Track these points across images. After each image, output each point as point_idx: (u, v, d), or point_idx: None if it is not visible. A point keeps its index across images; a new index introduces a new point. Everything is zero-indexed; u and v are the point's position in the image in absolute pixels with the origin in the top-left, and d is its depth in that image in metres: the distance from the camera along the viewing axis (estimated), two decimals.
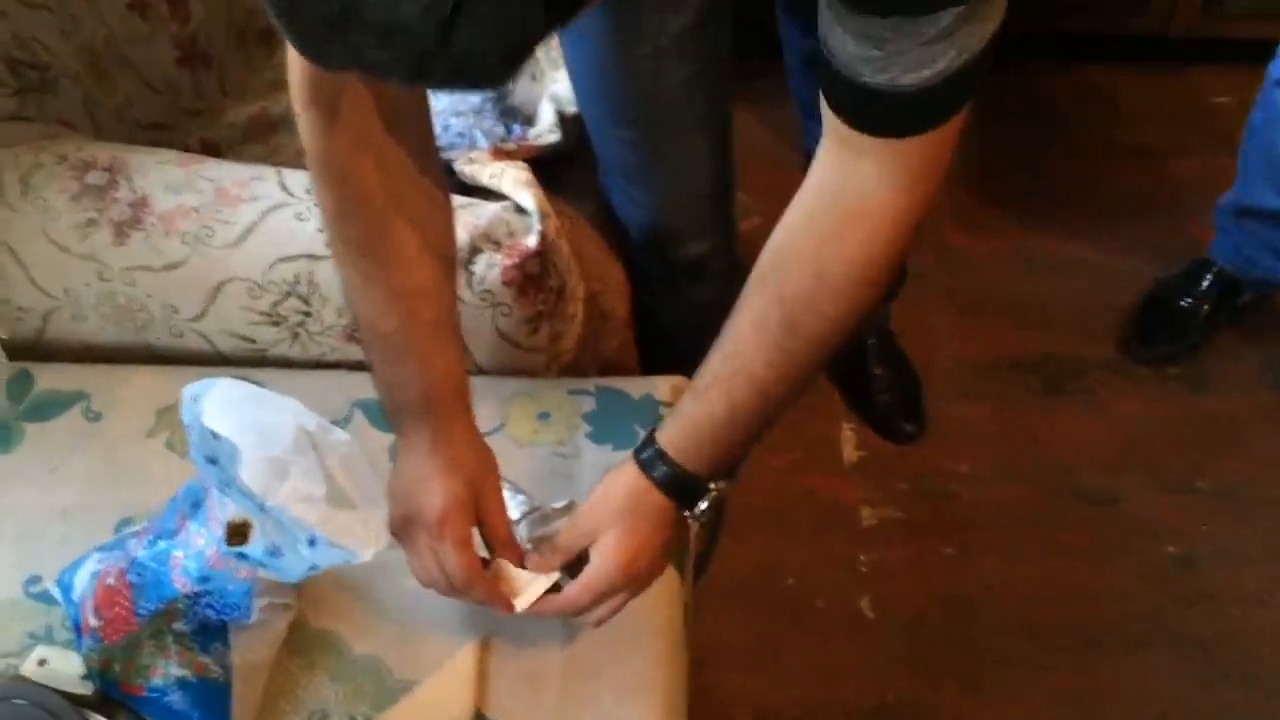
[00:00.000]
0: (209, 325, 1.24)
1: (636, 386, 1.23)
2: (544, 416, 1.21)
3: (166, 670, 0.94)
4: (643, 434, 0.99)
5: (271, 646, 1.00)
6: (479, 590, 0.96)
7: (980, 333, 2.01)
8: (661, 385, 1.23)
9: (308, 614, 1.05)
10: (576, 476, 1.16)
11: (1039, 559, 1.75)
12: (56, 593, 1.01)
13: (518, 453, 1.17)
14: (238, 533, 0.89)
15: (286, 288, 1.20)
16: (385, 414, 1.01)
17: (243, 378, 1.05)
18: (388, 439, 1.18)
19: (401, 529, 0.98)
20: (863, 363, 1.89)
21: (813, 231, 0.86)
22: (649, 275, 1.47)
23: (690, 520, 0.98)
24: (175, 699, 0.93)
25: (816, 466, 1.85)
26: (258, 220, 1.19)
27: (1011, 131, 2.28)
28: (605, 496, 0.97)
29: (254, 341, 1.25)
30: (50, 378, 1.23)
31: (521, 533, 1.11)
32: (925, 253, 2.05)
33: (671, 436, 0.95)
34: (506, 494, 1.13)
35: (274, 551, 0.87)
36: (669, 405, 1.21)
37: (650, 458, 0.95)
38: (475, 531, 0.98)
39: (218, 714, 0.94)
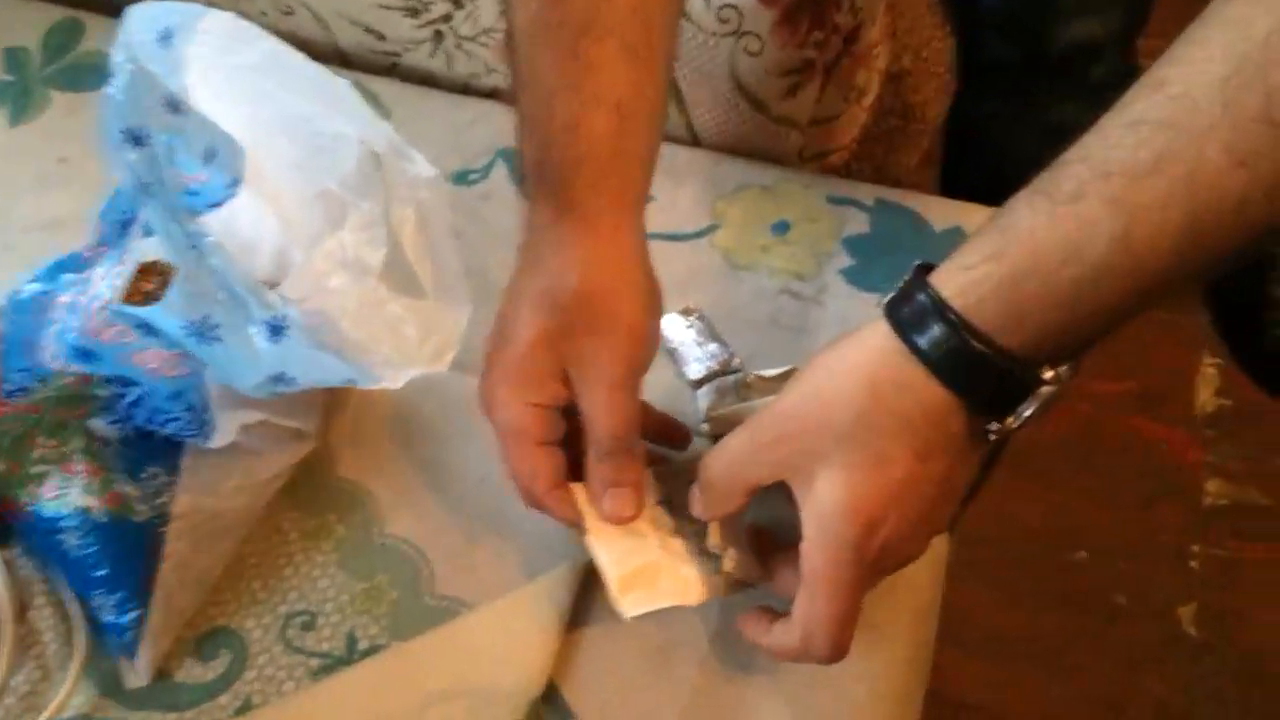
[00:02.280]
0: (325, 1, 0.83)
1: (940, 211, 0.75)
2: (781, 227, 0.74)
3: (64, 492, 0.56)
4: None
5: (250, 494, 0.60)
6: (556, 512, 0.57)
7: None
8: (982, 218, 0.74)
9: (336, 455, 0.65)
10: (814, 332, 0.70)
11: None
12: None
13: (726, 277, 0.73)
14: (148, 278, 0.49)
15: None
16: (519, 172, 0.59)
17: (362, 87, 0.65)
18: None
19: (485, 369, 0.56)
20: (1256, 278, 1.31)
21: None
22: (992, 69, 0.96)
23: (992, 439, 0.51)
24: (70, 539, 0.56)
25: (1153, 407, 1.30)
26: None
27: None
28: (822, 388, 0.51)
29: (383, 38, 0.84)
30: (103, 36, 0.86)
31: (700, 404, 0.67)
32: None
33: (973, 281, 0.48)
34: (686, 333, 0.69)
35: (201, 329, 0.46)
36: None
37: (920, 313, 0.48)
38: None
39: (130, 576, 0.56)
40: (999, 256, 0.47)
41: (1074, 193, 0.46)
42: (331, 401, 0.65)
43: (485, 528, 0.62)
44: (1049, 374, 0.48)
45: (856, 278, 0.72)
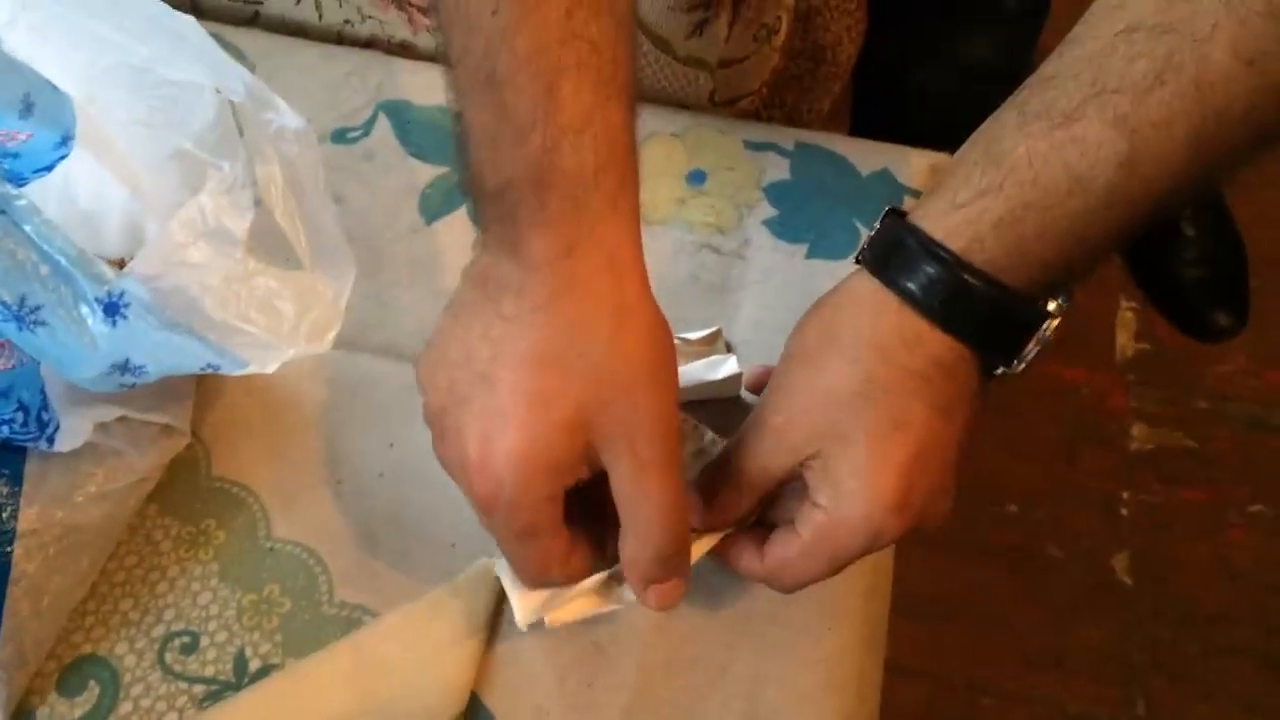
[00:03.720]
0: None
1: (865, 154, 0.70)
2: (697, 178, 0.69)
3: None
4: (868, 234, 0.48)
5: (112, 502, 0.52)
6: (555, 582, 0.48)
7: None
8: (913, 160, 0.69)
9: (212, 452, 0.58)
10: (737, 289, 0.64)
11: None
12: None
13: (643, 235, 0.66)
14: None
15: None
16: (461, 177, 0.47)
17: (222, 40, 0.57)
18: (411, 170, 0.69)
19: (492, 457, 0.43)
20: (1172, 219, 1.30)
21: None
22: (902, 5, 0.91)
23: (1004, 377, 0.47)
24: None
25: (1072, 352, 1.28)
26: None
27: None
28: (818, 357, 0.46)
29: None
30: None
31: None
32: None
33: (968, 220, 0.43)
34: None
35: (19, 313, 0.38)
36: (918, 197, 0.68)
37: (910, 260, 0.44)
38: None
39: None
40: (995, 190, 0.43)
41: (1071, 112, 0.42)
42: (204, 391, 0.58)
43: (388, 525, 0.55)
44: (1051, 305, 0.44)
45: (780, 229, 0.67)
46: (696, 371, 0.59)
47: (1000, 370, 0.46)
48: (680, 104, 0.73)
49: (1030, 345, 0.45)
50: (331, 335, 0.47)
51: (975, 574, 1.16)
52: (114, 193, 0.55)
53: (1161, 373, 1.28)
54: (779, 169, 0.69)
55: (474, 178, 0.44)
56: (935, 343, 0.44)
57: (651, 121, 0.70)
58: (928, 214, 0.45)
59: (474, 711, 0.50)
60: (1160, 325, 1.32)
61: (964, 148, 0.46)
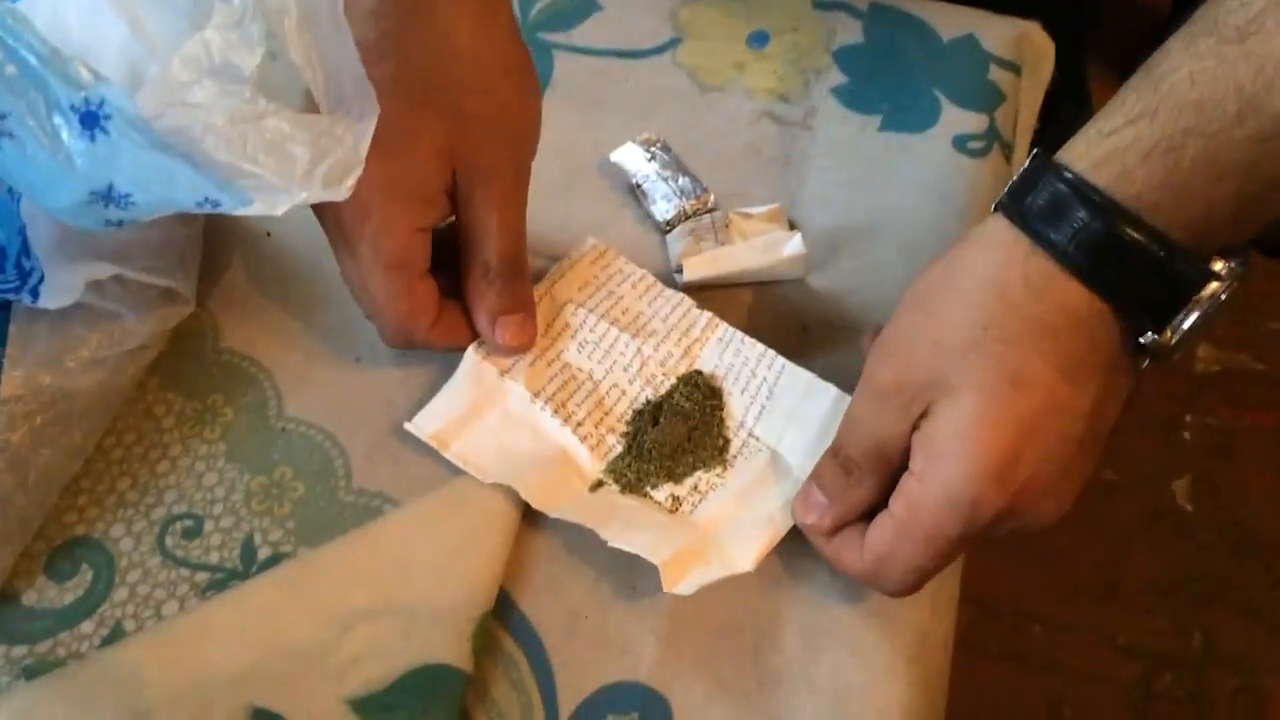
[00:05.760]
0: None
1: (949, 17, 0.63)
2: (759, 39, 0.62)
3: None
4: (954, 109, 0.45)
5: (108, 369, 0.47)
6: (443, 343, 0.49)
7: None
8: (1001, 28, 0.62)
9: (220, 323, 0.52)
10: (801, 163, 0.58)
11: None
12: None
13: (694, 100, 0.60)
14: None
15: None
16: None
17: None
18: None
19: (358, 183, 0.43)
20: None
21: None
22: None
23: (1146, 363, 0.41)
24: None
25: None
26: None
27: None
28: (934, 302, 0.41)
29: None
30: None
31: (671, 250, 0.55)
32: None
33: (1116, 149, 0.38)
34: (649, 166, 0.57)
35: None
36: (1013, 66, 0.61)
37: (1049, 199, 0.38)
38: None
39: None
40: (1151, 114, 0.37)
41: (1245, 25, 0.35)
42: (210, 256, 0.52)
43: (411, 409, 0.50)
44: (1218, 265, 0.37)
45: (851, 98, 0.60)
46: (755, 250, 0.53)
47: (1150, 337, 0.39)
48: None
49: (1188, 311, 0.38)
50: (351, 181, 0.41)
51: None
52: (110, 25, 0.48)
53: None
54: (850, 31, 0.62)
55: None
56: (1070, 292, 0.38)
57: None
58: (1072, 146, 0.39)
59: (504, 610, 0.45)
60: None
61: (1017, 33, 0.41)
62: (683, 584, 0.43)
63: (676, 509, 0.47)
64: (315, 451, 0.49)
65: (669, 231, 0.55)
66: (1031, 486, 0.39)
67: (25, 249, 0.39)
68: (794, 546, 0.46)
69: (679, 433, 0.48)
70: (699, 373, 0.50)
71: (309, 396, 0.51)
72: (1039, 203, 0.39)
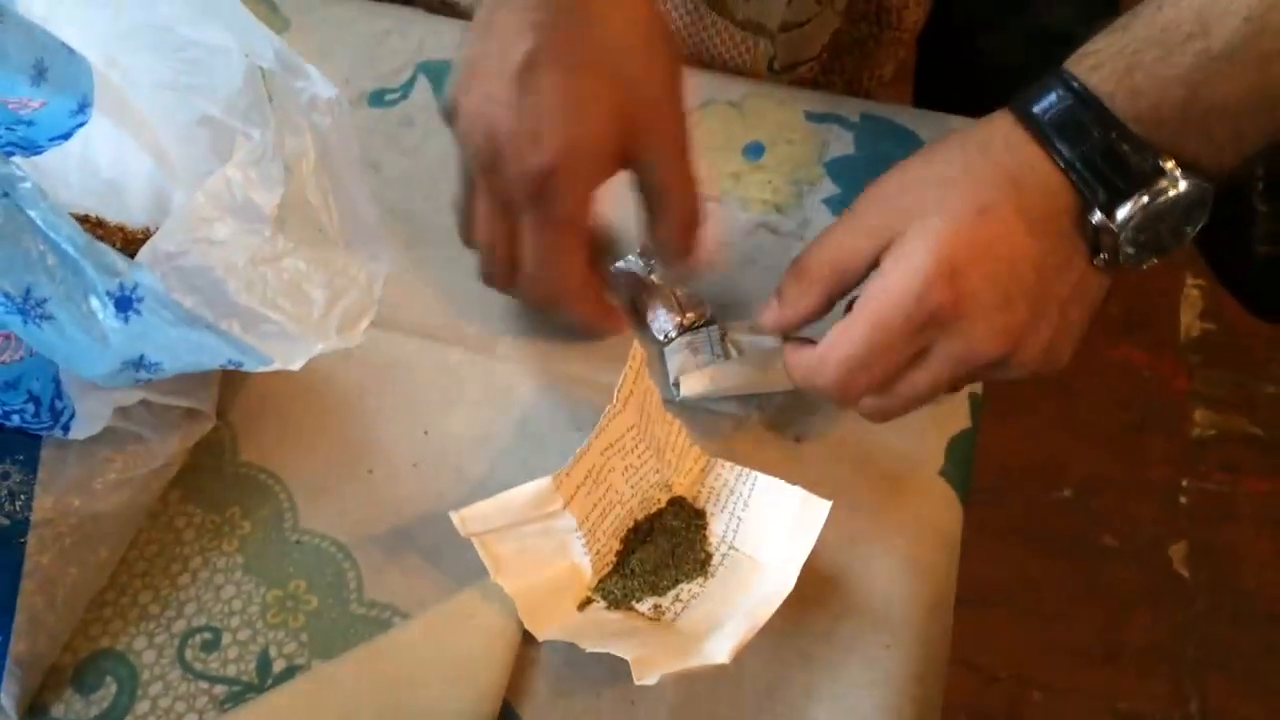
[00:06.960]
0: None
1: (935, 127, 0.65)
2: (755, 151, 0.64)
3: None
4: None
5: (132, 489, 0.50)
6: (588, 313, 0.55)
7: None
8: None
9: (239, 437, 0.55)
10: None
11: None
12: None
13: None
14: None
15: None
16: None
17: None
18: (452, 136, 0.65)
19: (469, 134, 0.50)
20: (1243, 192, 1.24)
21: None
22: None
23: (1102, 258, 0.46)
24: None
25: (1134, 332, 1.23)
26: None
27: None
28: (927, 152, 0.49)
29: None
30: None
31: (669, 364, 0.57)
32: None
33: (1092, 51, 0.46)
34: (644, 274, 0.59)
35: (24, 306, 0.35)
36: None
37: (1038, 87, 0.47)
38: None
39: None
40: (1123, 28, 0.45)
41: None
42: (230, 372, 0.55)
43: (421, 519, 0.52)
44: (1168, 163, 0.44)
45: (841, 208, 0.62)
46: (751, 365, 0.56)
47: (1098, 217, 0.44)
48: (737, 71, 0.69)
49: (1136, 200, 0.43)
50: (364, 325, 0.44)
51: (1028, 561, 1.12)
52: (138, 161, 0.52)
53: (1227, 355, 1.23)
54: (842, 143, 0.64)
55: None
56: (1036, 155, 0.45)
57: (707, 88, 0.66)
58: (1069, 61, 0.46)
59: None
60: (1228, 305, 1.26)
61: None
62: (651, 675, 0.44)
63: (659, 617, 0.49)
64: (328, 564, 0.52)
65: (667, 344, 0.57)
66: (973, 299, 0.45)
67: (58, 393, 0.42)
68: (786, 655, 0.48)
69: (663, 549, 0.50)
70: (682, 498, 0.52)
71: (322, 508, 0.53)
72: (1032, 90, 0.46)
